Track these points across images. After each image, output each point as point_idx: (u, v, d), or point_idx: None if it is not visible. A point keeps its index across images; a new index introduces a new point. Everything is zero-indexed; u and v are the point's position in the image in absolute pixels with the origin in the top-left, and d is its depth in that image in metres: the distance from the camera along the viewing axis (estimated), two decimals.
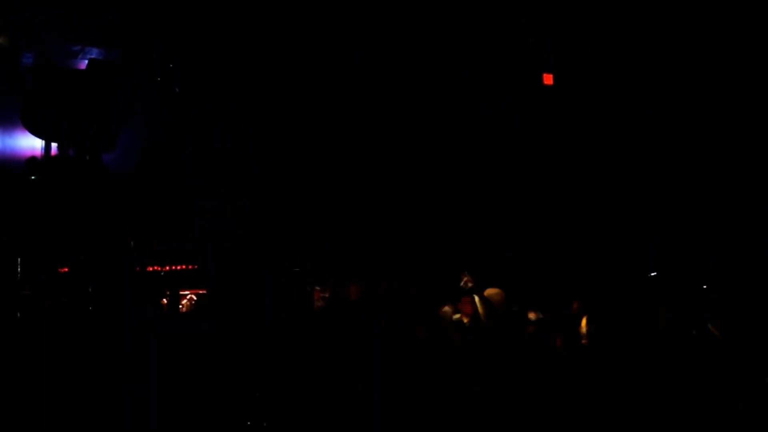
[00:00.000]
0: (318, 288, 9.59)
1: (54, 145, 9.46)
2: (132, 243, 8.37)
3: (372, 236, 11.34)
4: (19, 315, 7.34)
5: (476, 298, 7.09)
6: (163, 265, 10.04)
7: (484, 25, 11.56)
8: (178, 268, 10.24)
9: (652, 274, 10.72)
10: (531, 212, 11.63)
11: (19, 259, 7.84)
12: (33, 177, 8.53)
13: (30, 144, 9.57)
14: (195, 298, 10.09)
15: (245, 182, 10.63)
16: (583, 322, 7.34)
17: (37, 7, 10.32)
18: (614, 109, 11.63)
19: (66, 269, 8.33)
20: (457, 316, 7.90)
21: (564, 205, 11.64)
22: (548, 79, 11.50)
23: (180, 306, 9.93)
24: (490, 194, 11.62)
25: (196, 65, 10.68)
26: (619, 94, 11.62)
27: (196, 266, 10.36)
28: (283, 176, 10.98)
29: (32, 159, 8.96)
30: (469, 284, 7.07)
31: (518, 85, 11.69)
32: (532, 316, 7.94)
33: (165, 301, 9.61)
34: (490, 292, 7.12)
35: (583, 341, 7.22)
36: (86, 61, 10.14)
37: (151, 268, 9.72)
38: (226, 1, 10.86)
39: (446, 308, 8.13)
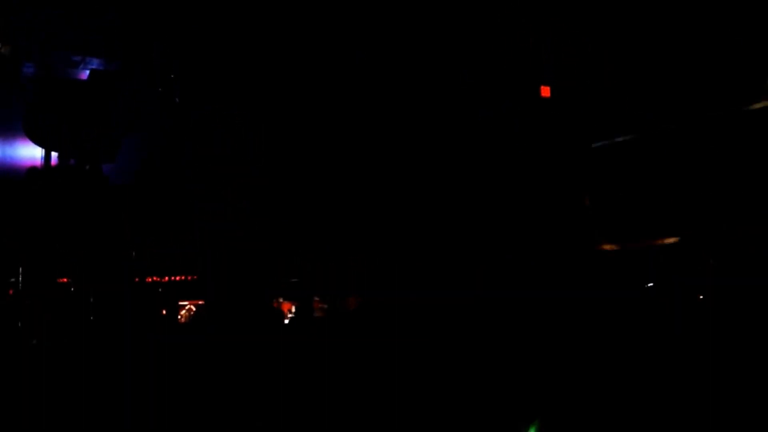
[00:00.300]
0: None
1: (54, 154, 9.47)
2: (133, 253, 8.39)
3: (372, 239, 11.36)
4: (19, 325, 7.37)
5: None
6: (162, 276, 10.08)
7: (484, 26, 11.56)
8: (177, 278, 10.28)
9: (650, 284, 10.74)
10: (531, 215, 11.64)
11: (20, 269, 7.87)
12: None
13: (30, 154, 9.57)
14: (194, 309, 10.13)
15: (245, 185, 10.66)
16: None
17: (37, 7, 10.31)
18: (614, 112, 11.63)
19: (66, 279, 8.36)
20: None
21: (565, 207, 11.65)
22: (546, 91, 11.50)
23: (179, 317, 9.97)
24: (490, 197, 11.63)
25: (195, 68, 10.68)
26: (619, 95, 11.62)
27: (195, 277, 10.40)
28: (283, 179, 11.01)
29: (32, 169, 8.97)
30: None
31: (518, 88, 11.69)
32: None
33: (164, 311, 9.66)
34: None
35: None
36: (87, 72, 10.15)
37: (150, 279, 9.76)
38: (226, 3, 10.86)
39: None
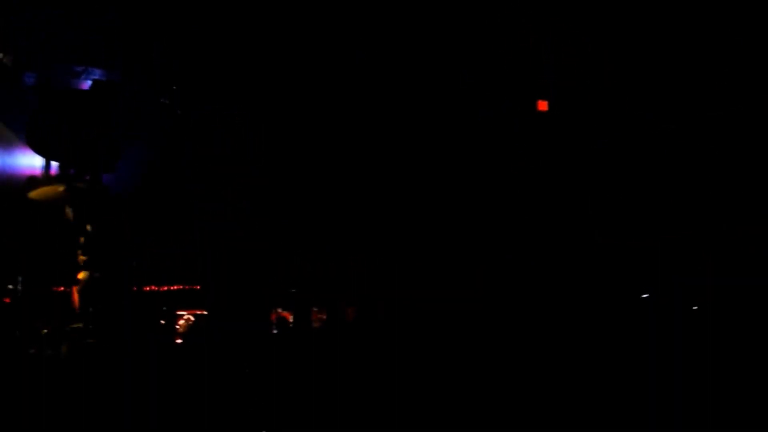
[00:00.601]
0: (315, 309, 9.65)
1: (54, 164, 9.42)
2: (134, 263, 8.38)
3: (371, 238, 11.38)
4: (18, 334, 7.37)
5: None
6: (161, 286, 10.09)
7: (484, 26, 11.54)
8: (175, 288, 10.30)
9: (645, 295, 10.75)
10: (531, 215, 11.65)
11: (19, 278, 7.86)
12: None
13: (30, 163, 9.53)
14: (192, 318, 10.15)
15: (245, 185, 10.67)
16: None
17: (37, 7, 10.29)
18: (615, 112, 11.63)
19: (64, 288, 8.35)
20: None
21: (565, 208, 11.66)
22: (543, 105, 11.50)
23: (177, 326, 9.99)
24: (489, 198, 11.64)
25: (195, 68, 10.67)
26: (619, 96, 11.61)
27: (193, 287, 10.42)
28: (283, 179, 11.02)
29: (32, 178, 8.94)
30: None
31: (518, 89, 11.68)
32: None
33: (163, 320, 9.67)
34: None
35: None
36: (89, 82, 10.11)
37: (148, 288, 9.77)
38: (226, 3, 10.84)
39: None
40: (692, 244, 11.11)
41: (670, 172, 11.48)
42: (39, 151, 9.14)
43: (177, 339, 9.37)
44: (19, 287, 7.92)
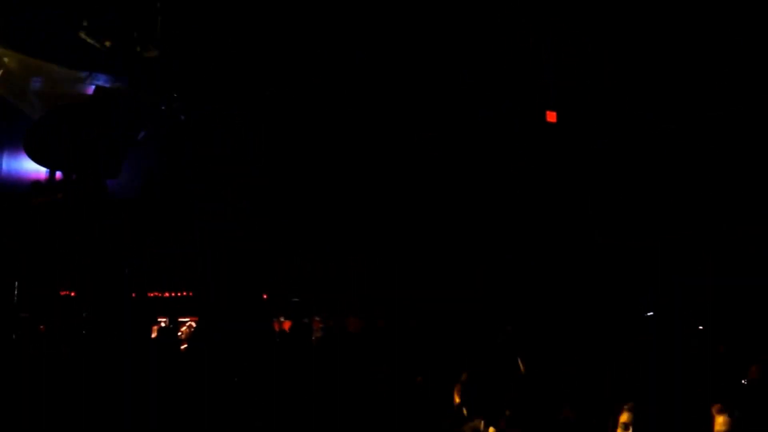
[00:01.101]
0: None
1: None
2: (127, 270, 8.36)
3: (371, 238, 11.38)
4: (17, 336, 7.38)
5: None
6: (162, 292, 10.12)
7: (485, 26, 11.53)
8: (178, 294, 10.32)
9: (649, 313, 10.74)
10: (531, 215, 11.65)
11: (18, 282, 7.85)
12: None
13: (34, 168, 9.50)
14: (194, 324, 10.17)
15: (245, 185, 10.66)
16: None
17: (37, 7, 10.27)
18: (615, 112, 11.62)
19: (66, 292, 8.36)
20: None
21: (565, 208, 11.66)
22: (551, 116, 11.46)
23: (179, 332, 10.01)
24: (490, 198, 11.64)
25: (195, 68, 10.66)
26: (619, 96, 11.60)
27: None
28: (283, 179, 11.02)
29: (37, 183, 8.93)
30: None
31: (519, 88, 11.67)
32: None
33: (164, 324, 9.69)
34: None
35: None
36: (93, 87, 10.08)
37: (151, 294, 9.78)
38: (226, 3, 10.83)
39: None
40: (692, 244, 11.12)
41: (670, 172, 11.47)
42: (37, 160, 9.13)
43: (178, 342, 9.37)
44: (20, 289, 7.92)
